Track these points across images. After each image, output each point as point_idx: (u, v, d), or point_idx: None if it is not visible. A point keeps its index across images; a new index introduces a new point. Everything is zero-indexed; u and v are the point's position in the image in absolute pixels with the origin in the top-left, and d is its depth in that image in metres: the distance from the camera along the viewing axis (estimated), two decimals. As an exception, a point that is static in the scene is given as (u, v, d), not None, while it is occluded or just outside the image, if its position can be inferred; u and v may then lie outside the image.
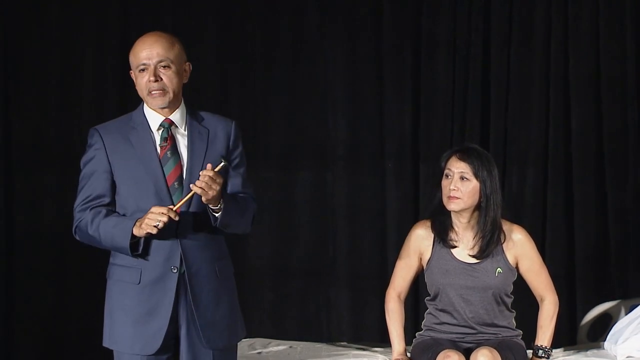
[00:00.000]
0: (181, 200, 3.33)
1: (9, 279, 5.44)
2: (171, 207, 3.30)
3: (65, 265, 5.46)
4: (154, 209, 3.28)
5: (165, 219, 3.26)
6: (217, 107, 5.41)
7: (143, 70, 3.38)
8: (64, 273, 5.47)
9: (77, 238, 3.47)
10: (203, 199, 3.30)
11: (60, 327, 5.48)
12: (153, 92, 3.38)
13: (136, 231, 3.32)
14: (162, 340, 3.37)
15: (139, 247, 3.35)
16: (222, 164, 3.33)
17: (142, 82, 3.39)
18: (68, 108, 5.51)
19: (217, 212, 3.35)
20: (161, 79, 3.37)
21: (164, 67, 3.37)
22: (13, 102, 5.46)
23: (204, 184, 3.26)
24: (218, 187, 3.29)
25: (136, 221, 3.32)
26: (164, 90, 3.38)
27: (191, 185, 3.28)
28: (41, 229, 5.45)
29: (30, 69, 5.48)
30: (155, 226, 3.27)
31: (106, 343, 3.48)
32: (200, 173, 3.28)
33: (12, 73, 5.46)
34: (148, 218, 3.28)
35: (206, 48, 5.56)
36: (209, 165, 3.30)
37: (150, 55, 3.37)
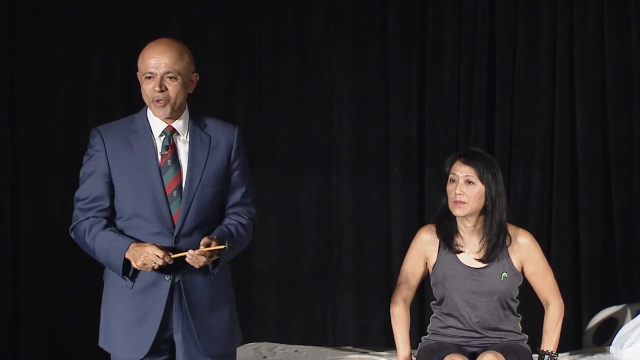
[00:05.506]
0: (179, 254, 3.33)
1: (15, 282, 5.45)
2: (170, 253, 3.31)
3: (71, 268, 5.46)
4: (150, 250, 3.30)
5: (161, 262, 3.28)
6: (223, 111, 5.43)
7: (149, 78, 3.36)
8: (70, 276, 5.48)
9: (72, 237, 3.47)
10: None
11: (65, 331, 5.49)
12: (157, 102, 3.37)
13: (128, 255, 3.33)
14: (149, 347, 3.39)
15: (130, 271, 3.37)
16: (224, 247, 3.33)
17: (147, 88, 3.38)
18: (75, 111, 5.52)
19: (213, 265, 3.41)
20: (166, 89, 3.36)
21: (171, 78, 3.36)
22: (20, 105, 5.47)
23: (197, 260, 3.30)
24: (209, 261, 3.34)
25: (129, 246, 3.33)
26: (167, 101, 3.37)
27: (187, 259, 3.30)
28: (47, 232, 5.46)
29: (37, 72, 5.50)
30: (152, 267, 3.30)
31: (101, 343, 3.50)
32: (200, 249, 3.29)
33: (19, 76, 5.47)
34: (144, 257, 3.29)
35: (212, 52, 5.57)
36: (204, 240, 3.31)
37: (157, 65, 3.34)
